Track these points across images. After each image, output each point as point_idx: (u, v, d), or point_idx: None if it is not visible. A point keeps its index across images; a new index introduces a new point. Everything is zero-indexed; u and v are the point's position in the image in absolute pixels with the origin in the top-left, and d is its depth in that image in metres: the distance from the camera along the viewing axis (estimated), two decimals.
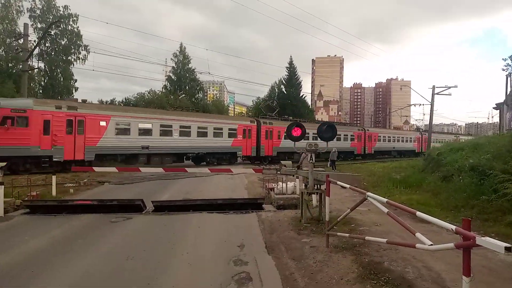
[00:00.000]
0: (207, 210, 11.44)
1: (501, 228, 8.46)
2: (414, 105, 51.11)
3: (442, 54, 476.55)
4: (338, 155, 41.73)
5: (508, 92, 22.82)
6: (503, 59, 13.18)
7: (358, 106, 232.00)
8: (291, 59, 70.62)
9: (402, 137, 55.79)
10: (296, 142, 9.40)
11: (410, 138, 57.26)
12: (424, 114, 57.73)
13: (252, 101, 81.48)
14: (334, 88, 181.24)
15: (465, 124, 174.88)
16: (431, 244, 3.65)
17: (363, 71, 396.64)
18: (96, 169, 14.27)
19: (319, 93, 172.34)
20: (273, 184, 13.73)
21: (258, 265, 6.51)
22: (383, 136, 51.75)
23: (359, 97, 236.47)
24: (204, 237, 8.52)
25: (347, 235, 6.43)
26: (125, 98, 60.30)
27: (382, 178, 18.86)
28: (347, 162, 37.41)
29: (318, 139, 9.40)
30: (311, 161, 8.79)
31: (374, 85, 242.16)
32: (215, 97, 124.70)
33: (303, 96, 71.94)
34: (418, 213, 3.89)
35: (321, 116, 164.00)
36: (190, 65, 66.73)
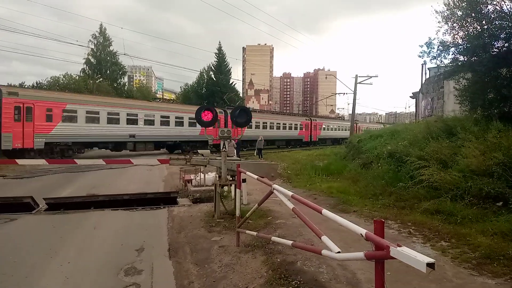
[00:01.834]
0: (112, 207, 10.07)
1: (417, 216, 8.27)
2: (338, 94, 52.68)
3: (366, 46, 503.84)
4: (289, 142, 45.63)
5: (423, 81, 23.93)
6: (419, 45, 13.24)
7: (288, 95, 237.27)
8: (220, 45, 69.07)
9: (340, 126, 60.00)
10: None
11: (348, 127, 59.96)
12: (348, 104, 59.87)
13: (180, 87, 78.77)
14: (265, 77, 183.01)
15: (385, 113, 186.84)
16: (339, 252, 2.90)
17: (292, 61, 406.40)
18: (20, 161, 11.89)
19: (250, 81, 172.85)
20: (192, 176, 12.65)
21: (154, 273, 5.48)
22: (326, 125, 55.61)
23: (288, 86, 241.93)
24: (97, 240, 7.23)
25: (255, 233, 5.62)
26: (36, 83, 54.59)
27: (305, 166, 18.63)
28: (274, 151, 37.30)
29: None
30: (223, 149, 7.85)
31: (303, 75, 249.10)
32: (141, 82, 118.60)
33: (233, 84, 70.85)
34: (324, 211, 3.16)
35: (252, 104, 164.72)
36: (111, 48, 62.24)
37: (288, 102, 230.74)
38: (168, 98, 79.96)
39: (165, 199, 10.93)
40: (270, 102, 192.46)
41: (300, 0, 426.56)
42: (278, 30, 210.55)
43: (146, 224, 8.47)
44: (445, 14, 12.53)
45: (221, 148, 7.92)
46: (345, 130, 57.53)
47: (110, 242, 7.11)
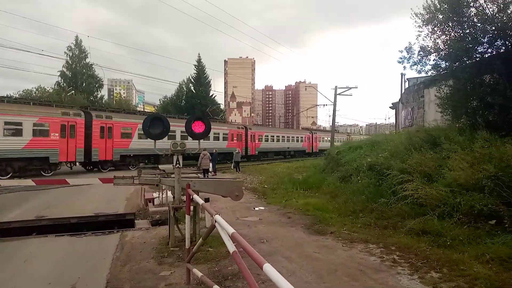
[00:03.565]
0: (57, 232, 8.76)
1: (402, 237, 7.28)
2: (319, 105, 52.17)
3: (347, 58, 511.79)
4: (294, 153, 49.68)
5: (403, 91, 23.37)
6: (399, 50, 12.49)
7: (270, 108, 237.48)
8: (199, 56, 67.97)
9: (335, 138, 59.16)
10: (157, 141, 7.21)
11: (342, 139, 60.75)
12: (330, 116, 59.15)
13: (159, 100, 77.14)
14: (247, 90, 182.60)
15: (366, 124, 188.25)
16: None
17: (273, 74, 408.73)
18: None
19: (232, 94, 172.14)
20: (154, 194, 11.42)
21: None
22: (323, 137, 60.14)
23: (270, 99, 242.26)
24: (24, 276, 5.97)
25: (200, 274, 4.46)
26: (6, 95, 52.22)
27: (283, 180, 17.58)
28: (252, 163, 36.14)
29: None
30: (177, 165, 6.70)
31: (284, 88, 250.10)
32: (121, 96, 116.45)
33: (213, 96, 69.66)
34: (266, 267, 2.06)
35: (235, 117, 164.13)
36: (87, 60, 60.51)
37: (270, 114, 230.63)
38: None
39: (121, 222, 9.68)
40: (252, 114, 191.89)
41: (282, 13, 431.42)
42: (260, 42, 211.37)
43: (89, 253, 7.20)
44: (426, 17, 11.82)
45: (174, 164, 6.77)
46: (298, 141, 56.86)
47: (38, 279, 5.85)
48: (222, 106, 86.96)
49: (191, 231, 6.57)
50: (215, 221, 3.34)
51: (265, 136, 47.36)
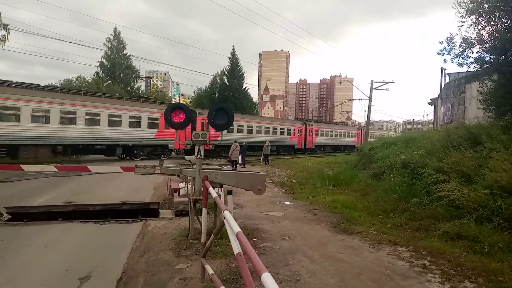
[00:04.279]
0: (83, 218, 8.87)
1: (434, 241, 6.80)
2: (353, 100, 50.90)
3: (384, 52, 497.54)
4: (277, 149, 39.18)
5: (442, 86, 22.22)
6: (439, 42, 11.75)
7: (304, 101, 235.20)
8: (234, 49, 67.78)
9: (342, 132, 54.93)
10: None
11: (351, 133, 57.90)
12: (365, 111, 56.91)
13: (194, 91, 77.85)
14: (280, 83, 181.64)
15: (403, 121, 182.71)
16: None
17: (308, 67, 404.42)
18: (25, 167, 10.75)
19: (266, 87, 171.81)
20: (180, 184, 11.38)
21: None
22: (324, 131, 49.91)
23: (304, 92, 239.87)
24: (41, 262, 6.00)
25: (211, 272, 4.23)
26: (48, 84, 54.44)
27: (312, 175, 17.17)
28: (283, 157, 35.69)
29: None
30: (198, 156, 6.53)
31: (319, 82, 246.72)
32: (157, 87, 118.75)
33: (246, 89, 69.51)
34: (264, 277, 1.77)
35: (267, 110, 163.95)
36: (125, 51, 61.93)
37: (303, 108, 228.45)
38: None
39: (145, 211, 9.69)
40: (285, 108, 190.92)
41: (318, 6, 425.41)
42: (296, 35, 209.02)
43: (109, 242, 7.19)
44: (470, 6, 11.01)
45: (195, 155, 6.61)
46: (349, 136, 55.77)
47: (55, 266, 5.86)
48: (255, 99, 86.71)
49: (210, 225, 6.43)
50: (223, 217, 3.09)
51: (321, 131, 47.61)
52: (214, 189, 6.96)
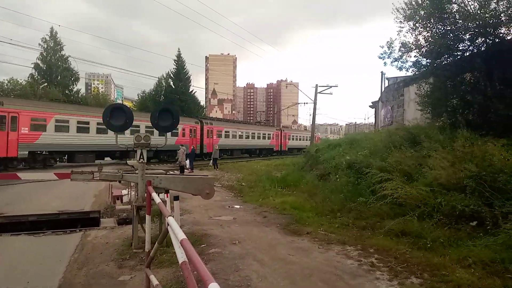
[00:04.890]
0: (14, 231, 8.06)
1: (380, 239, 6.93)
2: (299, 103, 51.94)
3: (328, 58, 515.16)
4: (261, 151, 45.85)
5: (383, 90, 23.27)
6: (380, 46, 12.19)
7: (251, 105, 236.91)
8: (179, 51, 66.45)
9: (304, 136, 60.08)
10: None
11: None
12: (310, 115, 57.85)
13: (138, 95, 75.31)
14: (228, 87, 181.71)
15: (345, 124, 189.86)
16: None
17: (255, 72, 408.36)
18: None
19: (213, 91, 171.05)
20: (123, 191, 10.78)
21: None
22: (293, 136, 57.62)
23: (252, 96, 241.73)
24: None
25: (156, 283, 3.91)
26: None
27: (261, 178, 17.13)
28: (232, 160, 35.45)
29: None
30: (141, 160, 6.15)
31: (266, 86, 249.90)
32: (98, 90, 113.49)
33: (193, 92, 68.42)
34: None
35: (216, 114, 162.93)
36: (63, 52, 58.46)
37: (251, 112, 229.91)
38: None
39: (85, 220, 9.03)
40: (233, 111, 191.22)
41: (266, 12, 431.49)
42: (243, 39, 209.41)
43: (44, 255, 6.57)
44: (407, 12, 11.55)
45: (137, 159, 6.21)
46: (306, 140, 56.94)
47: None
48: (202, 103, 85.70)
49: (155, 232, 6.06)
50: (167, 224, 2.83)
51: (226, 132, 40.99)
52: (158, 195, 6.63)
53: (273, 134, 49.95)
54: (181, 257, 2.33)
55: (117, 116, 6.16)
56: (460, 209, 6.80)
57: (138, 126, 25.69)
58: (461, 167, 7.71)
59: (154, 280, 3.83)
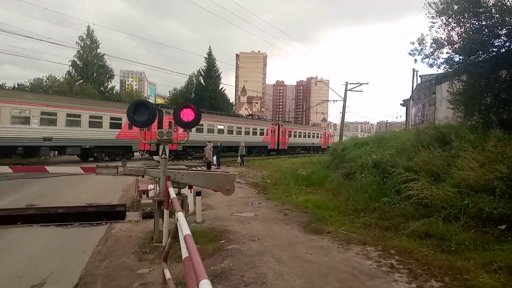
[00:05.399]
0: (44, 222, 8.43)
1: (403, 240, 6.76)
2: (328, 101, 51.39)
3: (359, 55, 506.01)
4: (250, 149, 36.96)
5: (414, 87, 22.61)
6: (410, 42, 11.86)
7: (280, 103, 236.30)
8: (210, 49, 67.27)
9: (311, 133, 54.87)
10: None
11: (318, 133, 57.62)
12: (340, 113, 56.25)
13: (169, 92, 76.80)
14: (258, 84, 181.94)
15: (377, 122, 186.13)
16: None
17: (285, 69, 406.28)
18: None
19: (243, 88, 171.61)
20: (149, 186, 11.03)
21: None
22: (297, 132, 49.72)
23: (281, 93, 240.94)
24: None
25: (168, 277, 3.98)
26: (17, 84, 52.50)
27: (286, 175, 17.08)
28: (259, 158, 35.47)
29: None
30: (163, 155, 6.27)
31: (296, 83, 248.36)
32: (131, 87, 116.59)
33: (223, 90, 69.11)
34: (202, 284, 1.57)
35: (245, 111, 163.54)
36: (98, 50, 60.43)
37: (280, 109, 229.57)
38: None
39: (111, 213, 9.31)
40: (262, 109, 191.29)
41: (296, 8, 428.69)
42: (273, 36, 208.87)
43: (70, 246, 6.83)
44: (440, 7, 11.15)
45: (160, 154, 6.34)
46: (316, 137, 54.31)
47: (8, 272, 5.48)
48: (232, 100, 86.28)
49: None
50: (177, 219, 2.88)
51: (294, 132, 45.10)
52: (180, 190, 6.76)
53: (267, 130, 41.93)
54: (185, 252, 2.36)
55: (140, 112, 6.32)
56: (488, 212, 6.53)
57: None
58: (491, 168, 7.40)
59: (168, 274, 3.91)
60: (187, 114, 6.48)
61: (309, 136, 52.30)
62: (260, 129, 41.09)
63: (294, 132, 48.68)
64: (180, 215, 2.86)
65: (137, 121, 6.31)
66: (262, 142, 40.99)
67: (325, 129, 59.47)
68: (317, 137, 54.51)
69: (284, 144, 45.16)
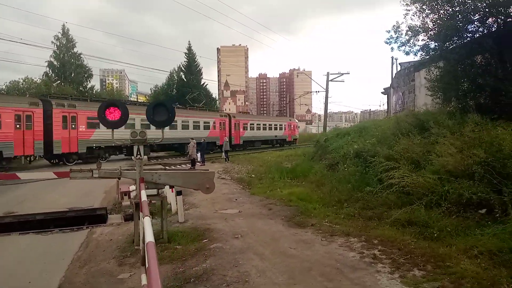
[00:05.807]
0: (23, 229, 8.19)
1: (386, 229, 6.78)
2: (311, 92, 51.46)
3: (341, 45, 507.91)
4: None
5: (394, 75, 22.78)
6: (386, 31, 11.84)
7: (264, 96, 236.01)
8: (190, 44, 66.54)
9: (272, 125, 47.67)
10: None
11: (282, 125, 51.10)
12: (324, 104, 55.70)
13: (150, 89, 75.86)
14: (240, 78, 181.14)
15: (360, 111, 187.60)
16: None
17: (267, 62, 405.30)
18: None
19: (226, 83, 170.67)
20: (131, 187, 10.81)
21: None
22: (253, 124, 43.10)
23: (264, 87, 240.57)
24: None
25: (143, 283, 3.87)
26: None
27: (270, 169, 17.03)
28: (243, 152, 35.20)
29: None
30: (138, 156, 6.12)
31: (278, 75, 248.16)
32: (112, 86, 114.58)
33: (205, 85, 68.54)
34: None
35: (229, 106, 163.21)
36: (75, 50, 59.11)
37: (264, 103, 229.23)
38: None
39: (92, 217, 9.11)
40: (247, 103, 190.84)
41: (275, 0, 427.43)
42: (253, 30, 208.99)
43: (49, 253, 6.64)
44: None
45: (134, 155, 6.19)
46: (279, 129, 47.84)
47: None
48: (215, 95, 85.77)
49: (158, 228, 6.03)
50: (143, 224, 2.76)
51: (250, 124, 39.74)
52: (159, 190, 6.62)
53: (213, 123, 35.64)
54: (148, 262, 2.26)
55: (160, 112, 6.17)
56: (467, 197, 6.58)
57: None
58: (469, 153, 7.45)
59: (143, 280, 3.78)
60: (160, 113, 6.32)
61: (270, 128, 46.00)
62: (205, 123, 34.49)
63: (251, 124, 42.26)
64: (146, 221, 2.75)
65: (109, 122, 6.10)
66: (208, 138, 32.01)
67: (290, 119, 52.78)
68: (281, 128, 47.99)
69: (238, 138, 39.32)
